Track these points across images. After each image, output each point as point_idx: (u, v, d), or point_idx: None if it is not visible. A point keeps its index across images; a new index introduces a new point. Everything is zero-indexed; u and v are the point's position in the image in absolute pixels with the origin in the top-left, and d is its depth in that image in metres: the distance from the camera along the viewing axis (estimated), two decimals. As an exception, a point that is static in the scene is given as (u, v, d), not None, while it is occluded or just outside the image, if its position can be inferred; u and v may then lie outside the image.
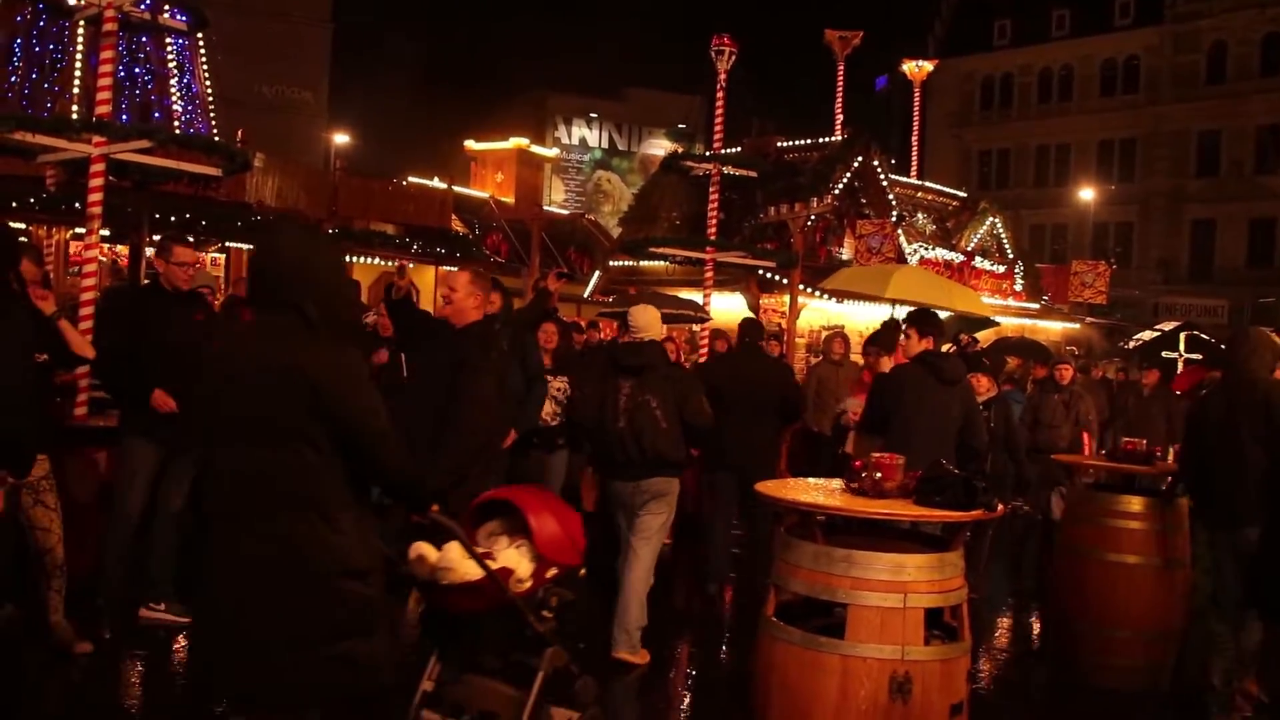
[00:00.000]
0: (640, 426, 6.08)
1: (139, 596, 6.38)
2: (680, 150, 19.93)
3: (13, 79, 15.43)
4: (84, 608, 6.01)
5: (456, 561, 3.66)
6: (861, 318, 18.43)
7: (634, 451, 6.11)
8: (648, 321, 6.38)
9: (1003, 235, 24.24)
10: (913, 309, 7.24)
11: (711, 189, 14.03)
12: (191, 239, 7.26)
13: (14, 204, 16.54)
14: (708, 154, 14.80)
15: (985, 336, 14.01)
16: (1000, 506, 4.65)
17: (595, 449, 6.65)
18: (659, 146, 45.35)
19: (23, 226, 14.78)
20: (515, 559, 3.81)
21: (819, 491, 4.81)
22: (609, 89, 50.56)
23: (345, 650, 3.11)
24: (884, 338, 8.55)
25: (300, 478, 3.07)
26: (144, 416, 6.17)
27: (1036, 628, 8.00)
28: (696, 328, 15.01)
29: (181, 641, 6.14)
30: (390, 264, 25.37)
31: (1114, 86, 45.28)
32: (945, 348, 8.27)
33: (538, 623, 3.86)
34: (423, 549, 3.69)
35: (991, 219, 24.01)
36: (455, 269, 6.15)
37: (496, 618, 3.80)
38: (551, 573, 3.88)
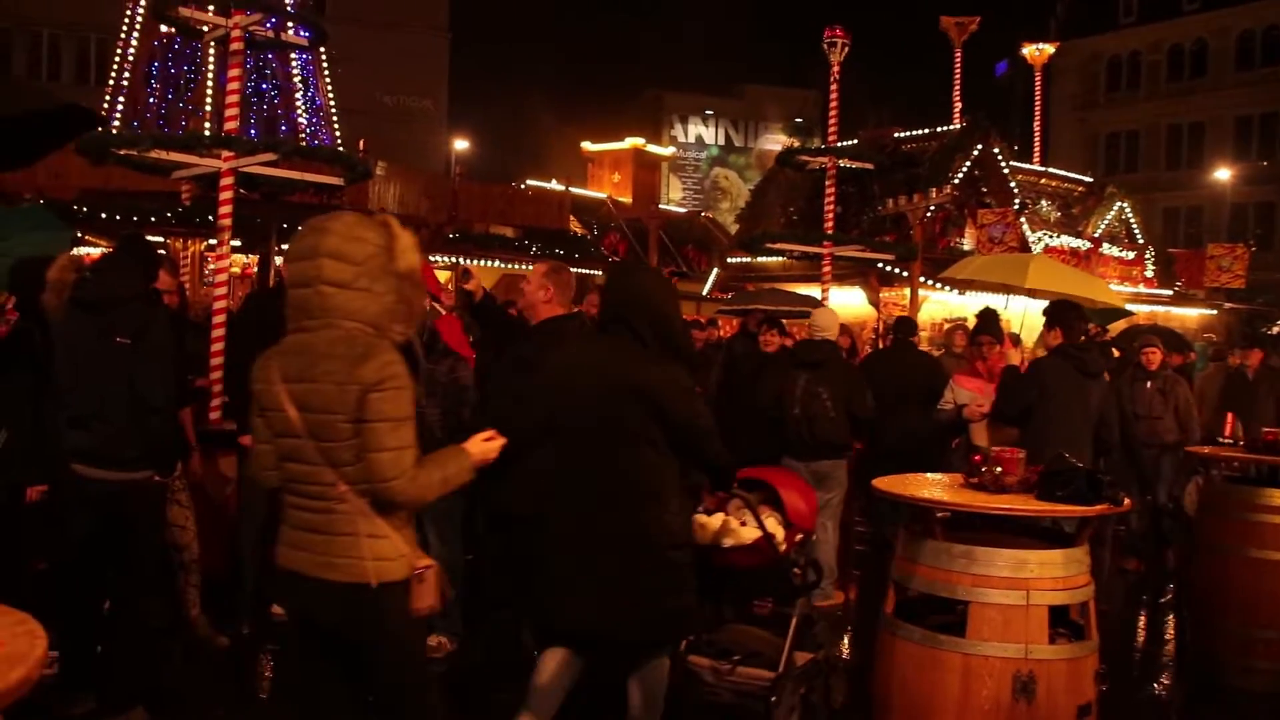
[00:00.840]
0: (813, 414, 7.01)
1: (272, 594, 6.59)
2: (796, 145, 19.76)
3: (150, 100, 16.13)
4: (222, 604, 6.25)
5: (736, 528, 4.51)
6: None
7: (806, 435, 7.04)
8: (827, 323, 7.49)
9: (1132, 220, 23.46)
10: (1052, 300, 7.05)
11: (827, 183, 13.91)
12: None
13: (152, 218, 17.28)
14: (823, 147, 14.67)
15: (1114, 326, 13.56)
16: (1126, 501, 4.52)
17: (771, 433, 7.27)
18: (775, 142, 45.09)
19: (161, 239, 15.42)
20: (773, 526, 4.59)
21: (938, 486, 4.73)
22: (725, 86, 50.46)
23: (673, 605, 3.94)
24: (992, 326, 8.35)
25: (645, 471, 3.89)
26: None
27: (1168, 627, 7.73)
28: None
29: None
30: (510, 266, 25.79)
31: (1252, 59, 43.29)
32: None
33: (793, 577, 4.67)
34: (702, 519, 4.48)
35: (1119, 204, 23.26)
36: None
37: (763, 573, 4.61)
38: (798, 537, 4.74)
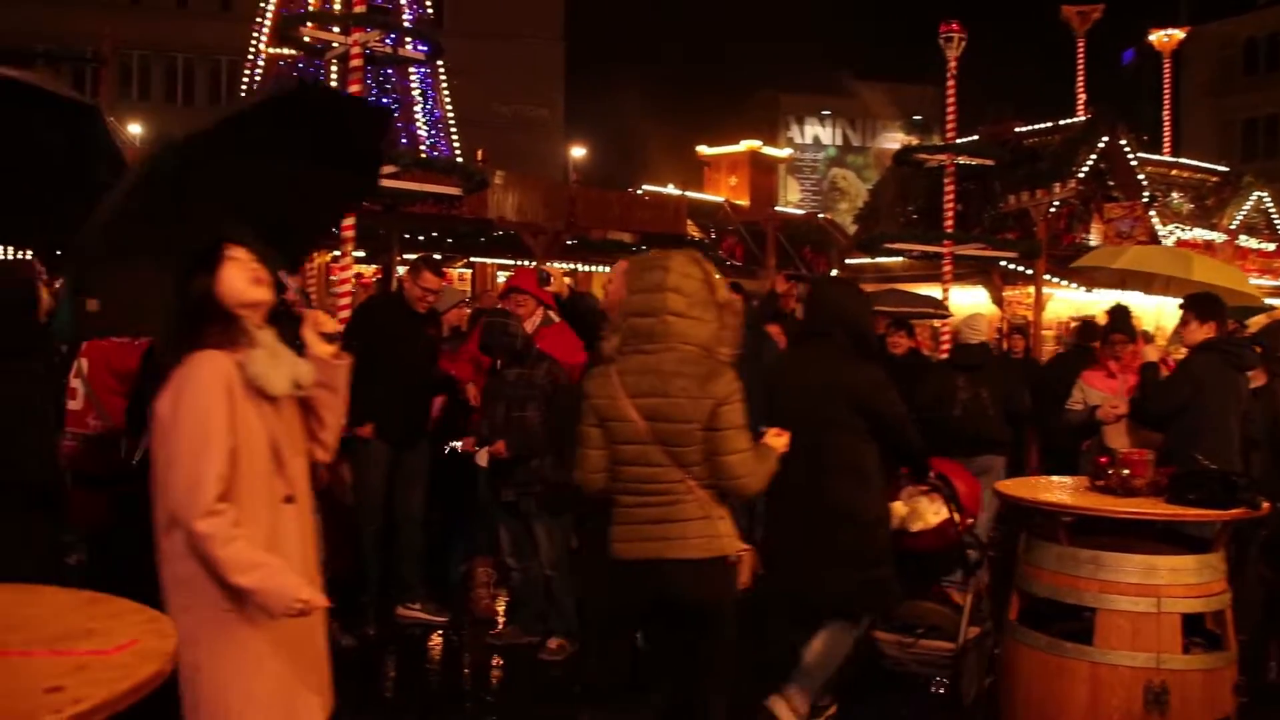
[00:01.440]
0: (974, 413, 7.34)
1: (395, 597, 6.73)
2: (915, 142, 19.46)
3: (277, 116, 16.64)
4: (348, 606, 6.39)
5: (923, 512, 4.90)
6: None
7: (970, 432, 7.31)
8: (979, 327, 7.92)
9: (1271, 210, 22.52)
10: (1192, 293, 6.75)
11: (947, 180, 13.67)
12: (440, 262, 7.59)
13: (281, 231, 17.79)
14: (942, 144, 14.42)
15: (1253, 321, 13.02)
16: (1265, 505, 4.32)
17: (928, 432, 7.36)
18: (894, 140, 44.45)
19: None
20: (946, 512, 4.93)
21: (1063, 490, 4.61)
22: (841, 85, 49.91)
23: (875, 575, 4.45)
24: (1125, 323, 8.06)
25: (851, 454, 4.45)
26: (373, 418, 6.50)
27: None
28: (937, 323, 14.64)
29: (436, 639, 6.45)
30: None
31: (1407, 30, 41.10)
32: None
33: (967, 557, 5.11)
34: (892, 505, 4.84)
35: (1257, 193, 22.34)
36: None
37: (943, 554, 5.05)
38: (969, 521, 5.13)
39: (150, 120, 32.17)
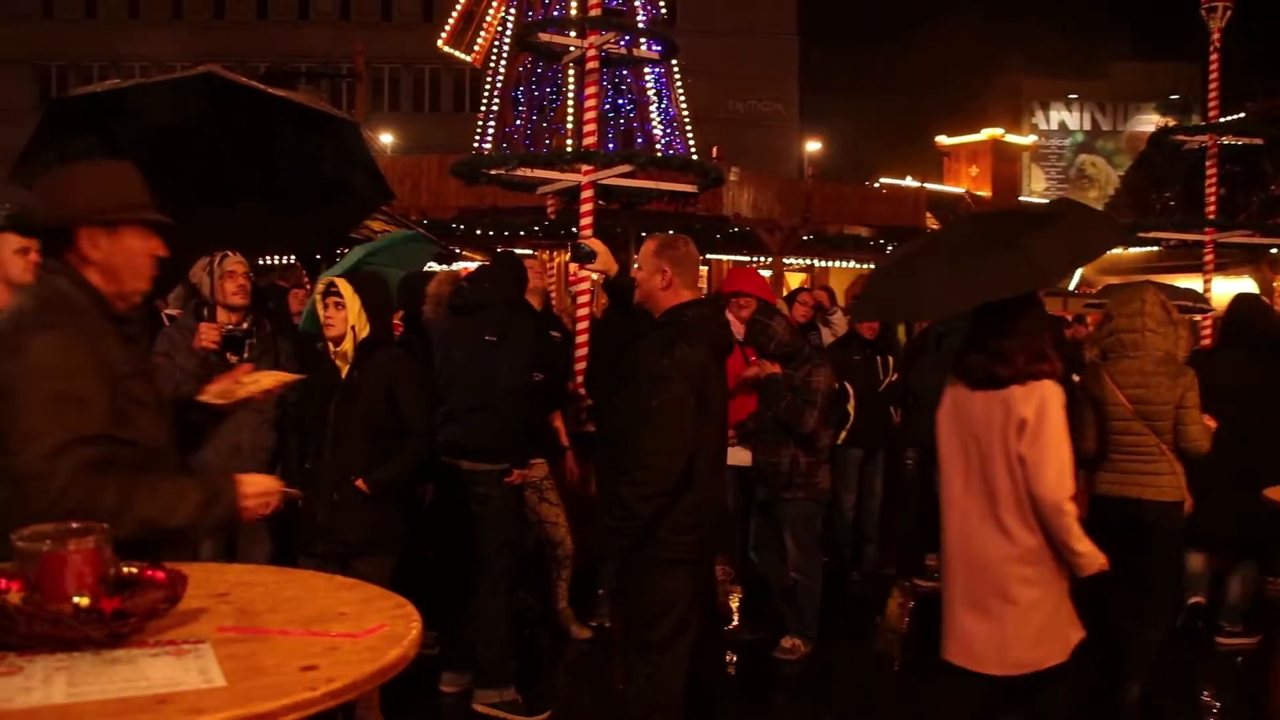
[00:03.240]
0: None
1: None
2: (1172, 123, 18.34)
3: (517, 121, 17.22)
4: (585, 597, 6.54)
5: None
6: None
7: None
8: None
9: None
10: None
11: (1208, 163, 12.78)
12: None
13: (521, 232, 18.45)
14: (1203, 124, 13.50)
15: None
16: None
17: None
18: (1148, 122, 41.98)
19: (529, 252, 16.42)
20: None
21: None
22: (1089, 66, 47.54)
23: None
24: None
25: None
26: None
27: None
28: (1198, 317, 13.76)
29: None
30: (865, 267, 25.50)
31: None
32: None
33: None
34: None
35: None
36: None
37: None
38: None
39: (400, 129, 33.92)
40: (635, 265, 4.16)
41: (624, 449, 3.99)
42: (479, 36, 19.34)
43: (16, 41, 37.77)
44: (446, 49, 19.89)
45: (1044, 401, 3.49)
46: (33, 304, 2.50)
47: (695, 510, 3.82)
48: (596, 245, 4.28)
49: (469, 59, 19.86)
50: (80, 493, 2.30)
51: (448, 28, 19.67)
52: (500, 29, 18.09)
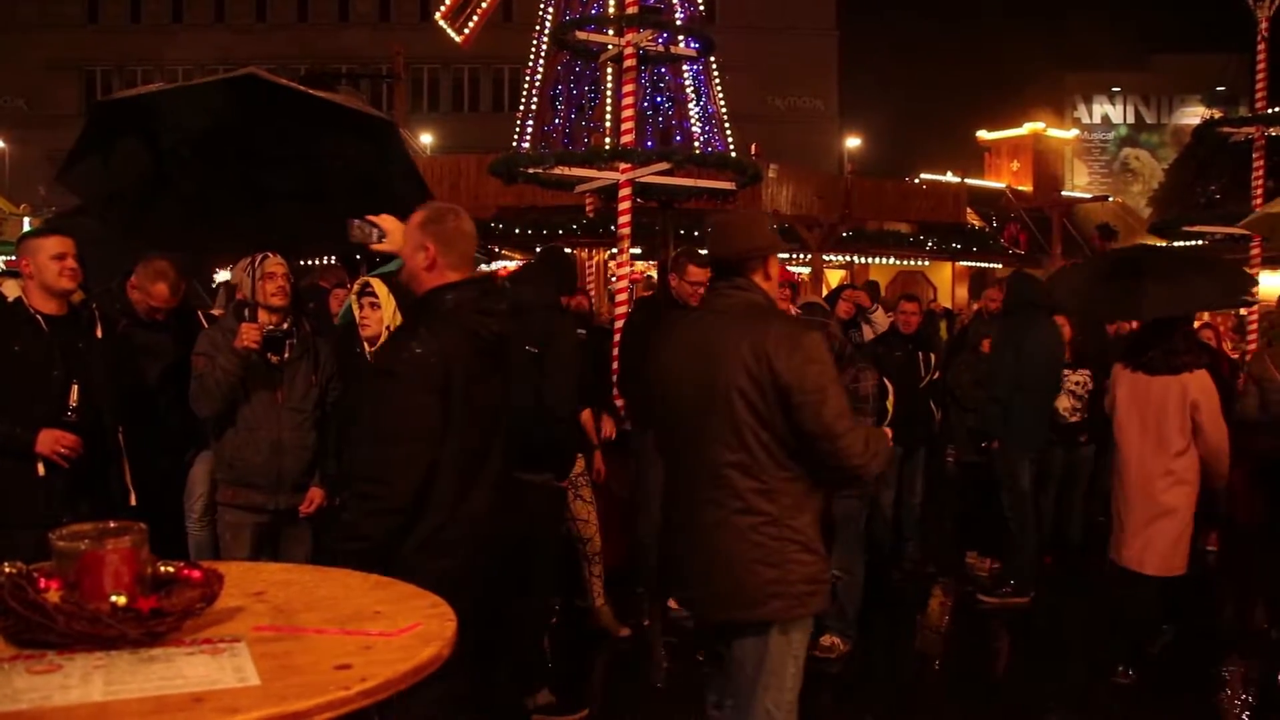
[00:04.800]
0: None
1: (671, 590, 6.82)
2: (1218, 115, 18.07)
3: (556, 120, 17.24)
4: (624, 596, 6.54)
5: None
6: None
7: None
8: None
9: None
10: None
11: (1256, 155, 12.60)
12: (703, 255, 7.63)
13: (560, 231, 18.47)
14: (1250, 116, 13.29)
15: None
16: None
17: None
18: (1193, 115, 41.38)
19: (568, 250, 16.44)
20: None
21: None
22: (1132, 58, 46.89)
23: None
24: None
25: None
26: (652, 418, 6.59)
27: None
28: (1243, 311, 13.55)
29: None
30: (906, 263, 25.34)
31: None
32: None
33: None
34: None
35: None
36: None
37: None
38: None
39: (440, 129, 34.09)
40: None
41: (354, 459, 3.66)
42: (471, 20, 19.53)
43: (63, 47, 38.29)
44: (441, 23, 20.06)
45: (1204, 386, 5.35)
46: (765, 308, 3.33)
47: (443, 530, 3.14)
48: (387, 223, 3.49)
49: (458, 39, 20.02)
50: None
51: (447, 2, 19.90)
52: (537, 27, 18.14)
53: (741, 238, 3.38)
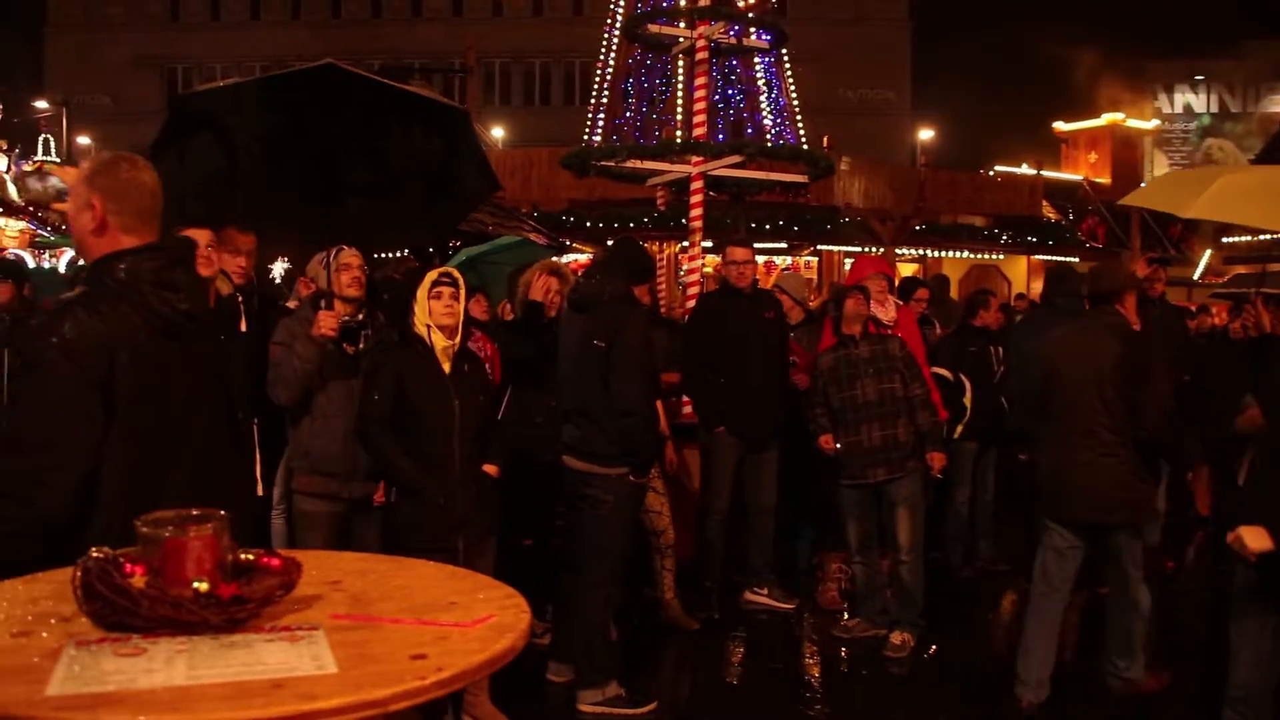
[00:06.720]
0: None
1: (742, 582, 6.81)
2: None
3: (627, 113, 17.22)
4: (693, 589, 6.53)
5: None
6: None
7: None
8: None
9: None
10: None
11: (1346, 144, 12.26)
12: (745, 237, 7.63)
13: (631, 224, 18.48)
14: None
15: None
16: None
17: None
18: (1280, 104, 40.29)
19: (639, 243, 16.44)
20: None
21: None
22: (1218, 45, 45.70)
23: None
24: None
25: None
26: (721, 411, 6.57)
27: None
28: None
29: (780, 625, 6.48)
30: (979, 256, 24.98)
31: None
32: None
33: None
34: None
35: None
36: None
37: None
38: None
39: (511, 123, 34.28)
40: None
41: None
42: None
43: (144, 44, 39.20)
44: None
45: None
46: (1125, 326, 4.96)
47: (108, 534, 2.32)
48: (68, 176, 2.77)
49: None
50: None
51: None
52: (609, 20, 18.15)
53: (1112, 280, 5.15)
